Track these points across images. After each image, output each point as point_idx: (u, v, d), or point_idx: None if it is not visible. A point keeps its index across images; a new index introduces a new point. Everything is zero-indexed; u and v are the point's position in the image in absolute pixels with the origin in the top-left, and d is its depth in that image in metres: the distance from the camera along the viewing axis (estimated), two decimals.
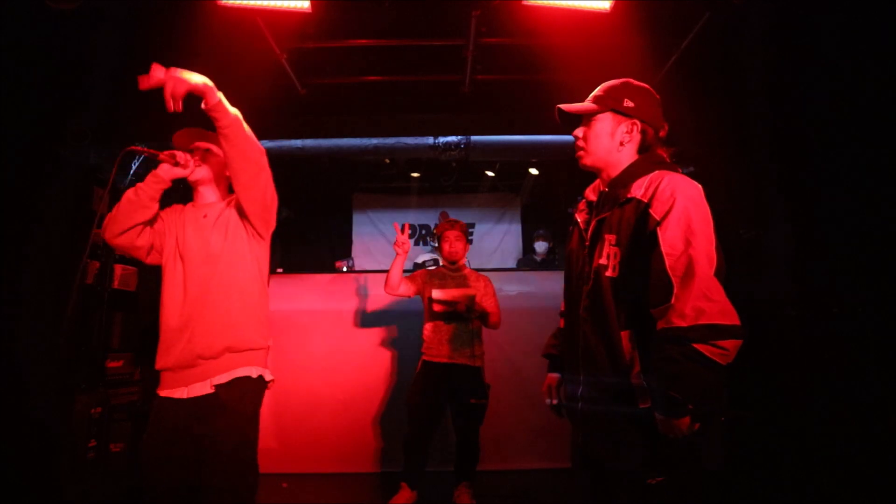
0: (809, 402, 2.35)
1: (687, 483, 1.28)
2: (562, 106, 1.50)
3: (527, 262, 5.33)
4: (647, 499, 1.26)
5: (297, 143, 3.98)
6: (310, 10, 2.60)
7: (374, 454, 3.73)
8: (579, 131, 1.51)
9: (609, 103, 1.45)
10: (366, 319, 3.91)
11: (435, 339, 2.96)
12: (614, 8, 2.56)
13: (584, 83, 1.57)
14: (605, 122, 1.46)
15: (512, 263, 5.89)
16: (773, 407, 2.49)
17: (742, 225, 2.88)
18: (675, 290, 1.22)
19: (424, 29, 2.93)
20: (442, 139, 4.01)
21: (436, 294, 2.88)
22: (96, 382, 3.36)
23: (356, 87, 3.35)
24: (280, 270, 4.22)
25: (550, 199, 5.91)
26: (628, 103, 1.44)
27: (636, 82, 1.49)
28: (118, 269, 3.71)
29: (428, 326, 3.02)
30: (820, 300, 2.34)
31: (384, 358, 3.85)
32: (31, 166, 2.75)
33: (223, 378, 1.65)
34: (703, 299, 1.18)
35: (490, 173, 5.62)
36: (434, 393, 2.92)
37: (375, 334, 3.89)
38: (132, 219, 1.70)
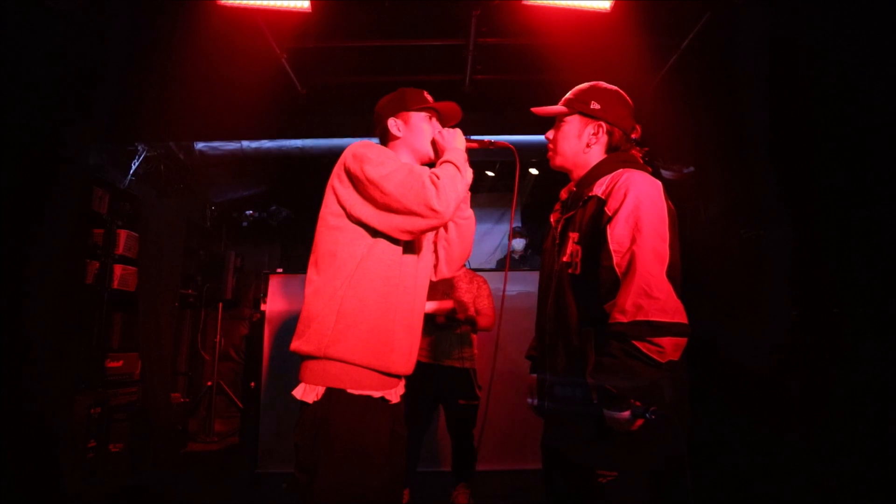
0: (809, 403, 2.36)
1: (639, 482, 1.27)
2: (534, 109, 1.55)
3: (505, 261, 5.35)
4: (597, 495, 1.27)
5: (297, 143, 3.96)
6: (310, 10, 2.60)
7: None
8: (550, 133, 1.56)
9: (576, 106, 1.49)
10: None
11: (423, 342, 2.98)
12: (614, 8, 2.56)
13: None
14: (572, 125, 1.50)
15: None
16: (772, 408, 2.49)
17: (742, 225, 2.88)
18: (620, 287, 1.24)
19: (424, 29, 2.93)
20: None
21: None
22: (96, 382, 3.37)
23: (356, 87, 3.35)
24: (280, 270, 4.22)
25: (551, 198, 5.89)
26: (594, 105, 1.46)
27: (605, 85, 1.51)
28: (118, 269, 3.72)
29: None
30: (820, 300, 2.34)
31: None
32: (32, 167, 2.75)
33: None
34: (643, 296, 1.19)
35: (490, 173, 5.61)
36: (420, 393, 2.90)
37: None
38: None
